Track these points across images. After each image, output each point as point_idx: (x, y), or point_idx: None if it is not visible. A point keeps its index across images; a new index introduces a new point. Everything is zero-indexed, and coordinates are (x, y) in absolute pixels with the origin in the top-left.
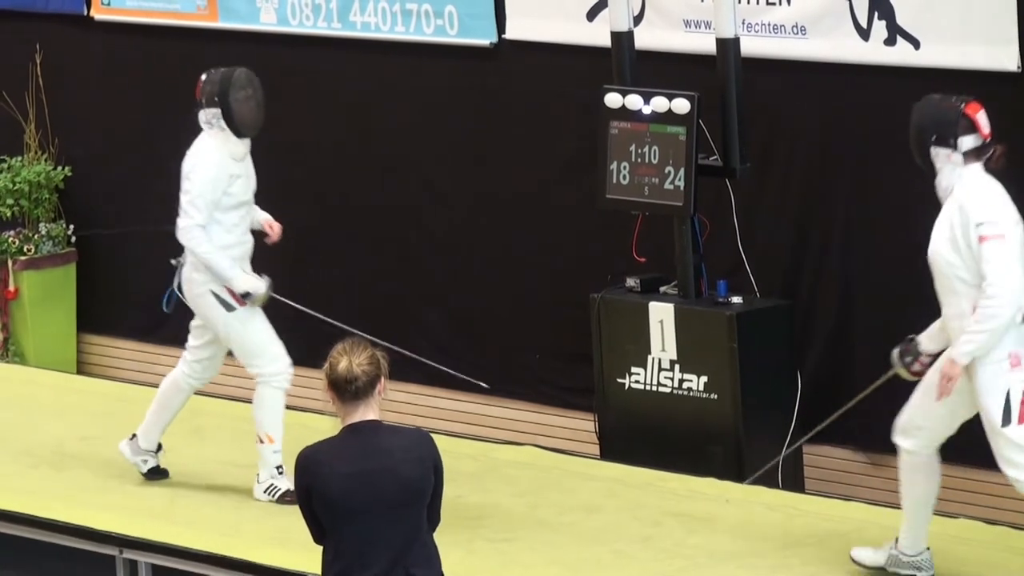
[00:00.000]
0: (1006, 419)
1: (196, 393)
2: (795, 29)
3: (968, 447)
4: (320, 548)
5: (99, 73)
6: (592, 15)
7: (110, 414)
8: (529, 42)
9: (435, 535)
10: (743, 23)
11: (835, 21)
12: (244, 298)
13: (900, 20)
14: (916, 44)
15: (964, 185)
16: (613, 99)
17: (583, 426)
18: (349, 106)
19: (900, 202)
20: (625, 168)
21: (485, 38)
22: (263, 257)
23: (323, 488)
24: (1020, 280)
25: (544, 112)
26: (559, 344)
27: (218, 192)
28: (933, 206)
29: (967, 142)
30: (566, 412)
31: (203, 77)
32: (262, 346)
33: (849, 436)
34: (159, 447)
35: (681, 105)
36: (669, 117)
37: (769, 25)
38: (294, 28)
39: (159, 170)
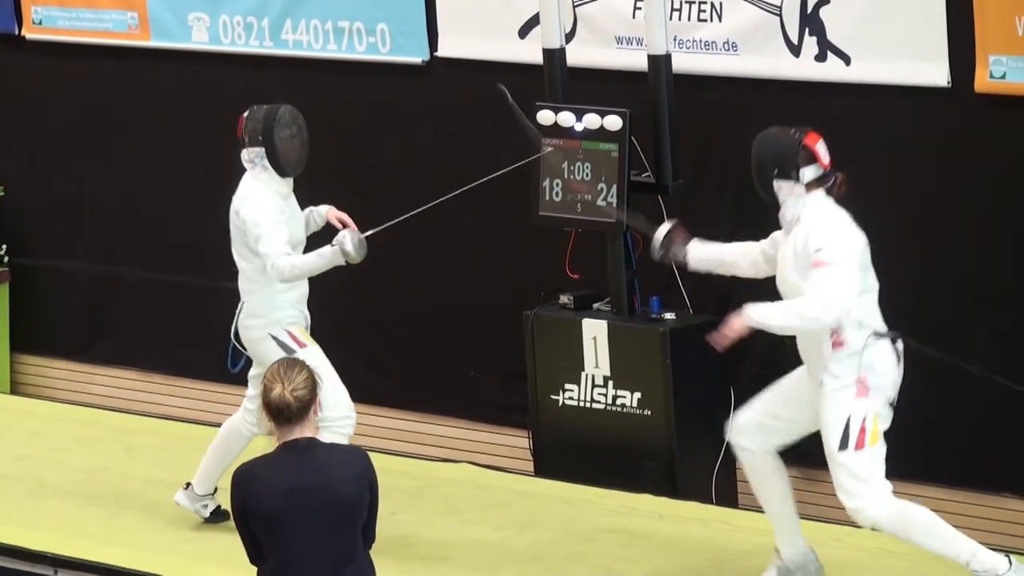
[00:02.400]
0: (843, 444)
1: (127, 412)
2: (727, 45)
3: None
4: (255, 569)
5: (31, 93)
6: (524, 32)
7: (45, 434)
8: (461, 59)
9: (370, 553)
10: (675, 40)
11: (766, 38)
12: (346, 258)
13: (831, 36)
14: (847, 60)
15: (810, 213)
16: (545, 116)
17: (518, 443)
18: None
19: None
20: (558, 185)
21: (417, 56)
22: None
23: (258, 504)
24: (844, 302)
25: (476, 130)
26: (493, 361)
27: (281, 221)
28: (867, 221)
29: (808, 173)
30: (501, 429)
31: (246, 115)
32: (324, 391)
33: (782, 452)
34: (215, 489)
35: (613, 122)
36: (601, 134)
37: (701, 42)
38: (226, 47)
39: (92, 191)
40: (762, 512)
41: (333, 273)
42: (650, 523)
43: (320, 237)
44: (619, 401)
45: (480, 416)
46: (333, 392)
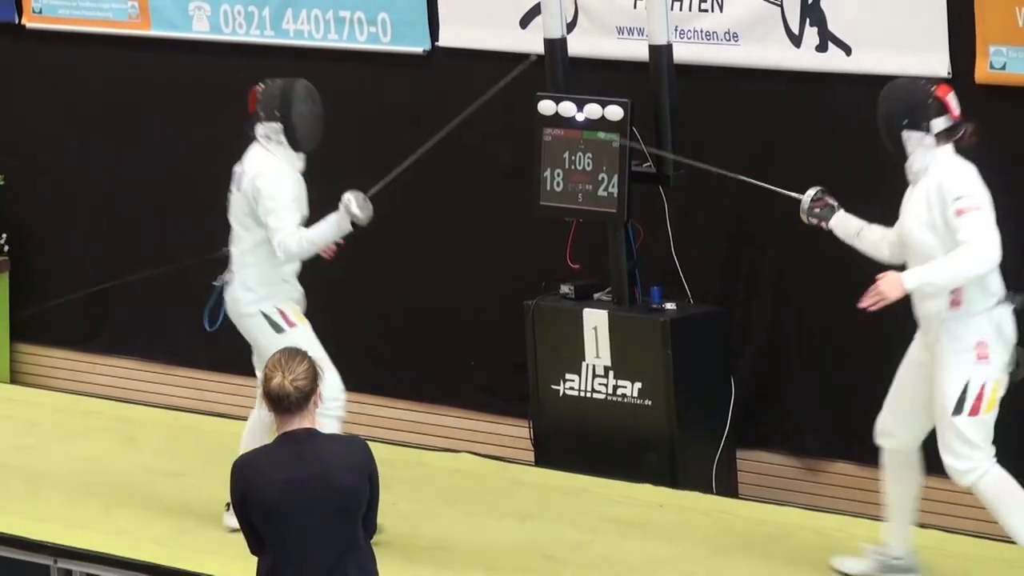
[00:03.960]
0: (958, 408)
1: (127, 401)
2: (727, 36)
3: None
4: (256, 560)
5: (31, 82)
6: (525, 22)
7: (44, 423)
8: (462, 49)
9: (371, 543)
10: (676, 30)
11: (767, 28)
12: (355, 221)
13: (832, 27)
14: (848, 50)
15: (939, 165)
16: (546, 106)
17: (518, 433)
18: None
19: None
20: (559, 175)
21: (418, 45)
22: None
23: (258, 495)
24: (998, 248)
25: (478, 119)
26: (494, 351)
27: (298, 200)
28: (869, 210)
29: (938, 124)
30: (501, 419)
31: (259, 88)
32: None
33: (782, 441)
34: None
35: (614, 112)
36: (602, 124)
37: (702, 32)
38: (227, 36)
39: (93, 179)
40: (763, 502)
41: (331, 268)
42: (651, 513)
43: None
44: (620, 391)
45: (481, 406)
46: (325, 373)
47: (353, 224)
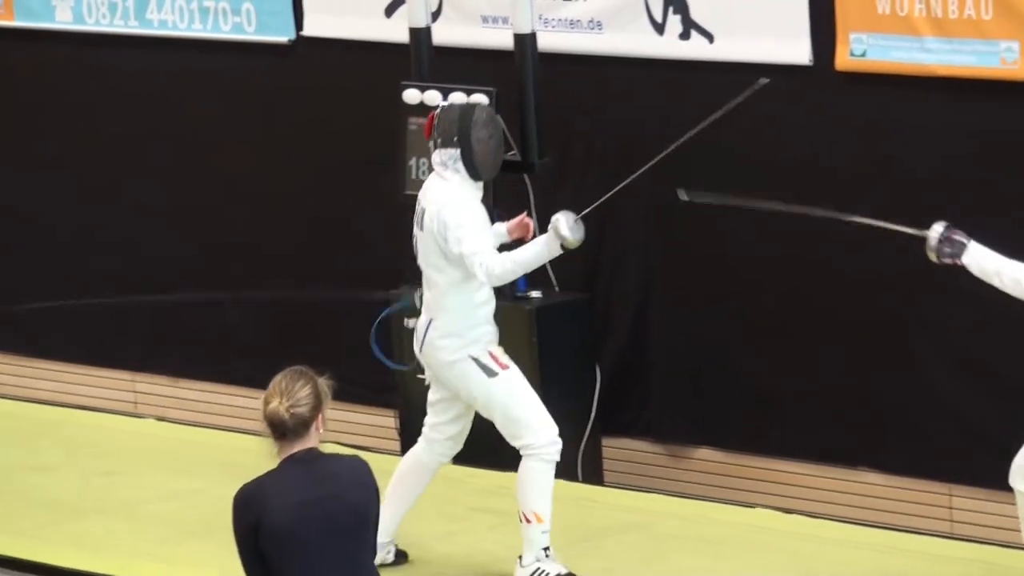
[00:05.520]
0: None
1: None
2: (591, 24)
3: (758, 435)
4: None
5: None
6: (390, 11)
7: None
8: (327, 39)
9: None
10: (540, 18)
11: (630, 16)
12: (564, 243)
13: (694, 15)
14: (710, 38)
15: None
16: (411, 95)
17: (385, 423)
18: (147, 105)
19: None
20: (424, 164)
21: (283, 35)
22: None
23: (273, 521)
24: None
25: (343, 109)
26: (361, 341)
27: (487, 224)
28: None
29: None
30: (368, 409)
31: (436, 112)
32: (529, 415)
33: (647, 428)
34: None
35: (479, 100)
36: None
37: (566, 20)
38: (90, 26)
39: None
40: (628, 489)
41: (197, 258)
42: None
43: None
44: None
45: (347, 396)
46: (536, 416)
47: (562, 246)
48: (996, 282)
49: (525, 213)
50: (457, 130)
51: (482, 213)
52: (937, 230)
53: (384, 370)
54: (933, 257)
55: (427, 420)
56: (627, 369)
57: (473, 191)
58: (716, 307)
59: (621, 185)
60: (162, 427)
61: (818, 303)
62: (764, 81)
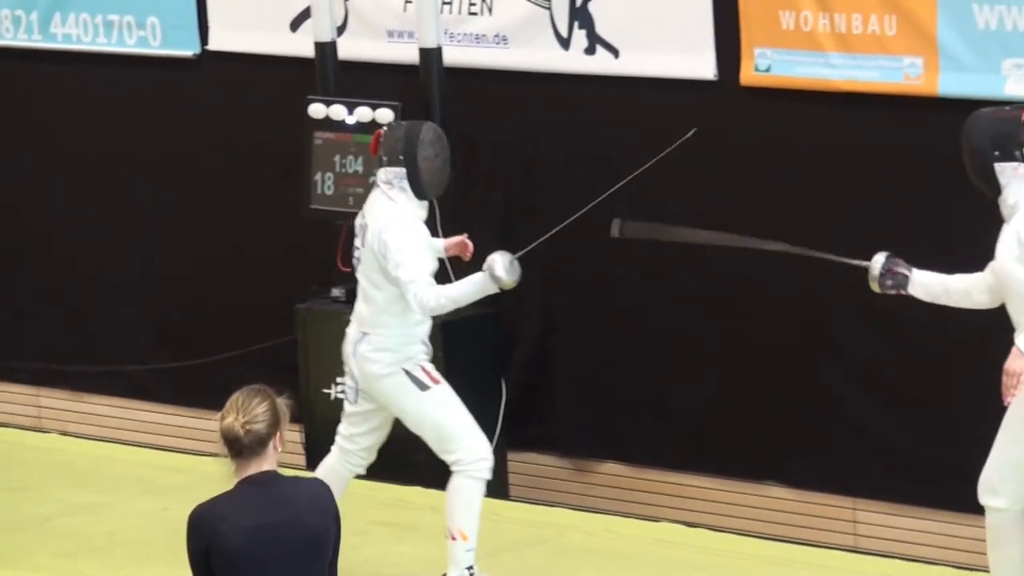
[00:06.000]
0: None
1: None
2: (497, 39)
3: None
4: None
5: None
6: (295, 25)
7: None
8: (233, 53)
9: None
10: (446, 33)
11: (536, 31)
12: (498, 284)
13: (599, 29)
14: (616, 53)
15: None
16: (317, 109)
17: (290, 437)
18: (51, 118)
19: (603, 208)
20: (330, 178)
21: (188, 49)
22: None
23: (225, 545)
24: None
25: (249, 123)
26: (266, 355)
27: (428, 249)
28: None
29: None
30: None
31: (383, 130)
32: (460, 430)
33: (553, 442)
34: None
35: (385, 115)
36: (373, 127)
37: (472, 35)
38: None
39: None
40: (533, 503)
41: (99, 271)
42: (421, 515)
43: None
44: None
45: None
46: (466, 432)
47: (499, 286)
48: (944, 300)
49: (466, 235)
50: (403, 148)
51: (424, 235)
52: (879, 260)
53: (290, 385)
54: (876, 288)
55: (342, 430)
56: (532, 384)
57: (417, 210)
58: (621, 322)
59: (562, 225)
60: (66, 441)
61: (724, 318)
62: (694, 131)
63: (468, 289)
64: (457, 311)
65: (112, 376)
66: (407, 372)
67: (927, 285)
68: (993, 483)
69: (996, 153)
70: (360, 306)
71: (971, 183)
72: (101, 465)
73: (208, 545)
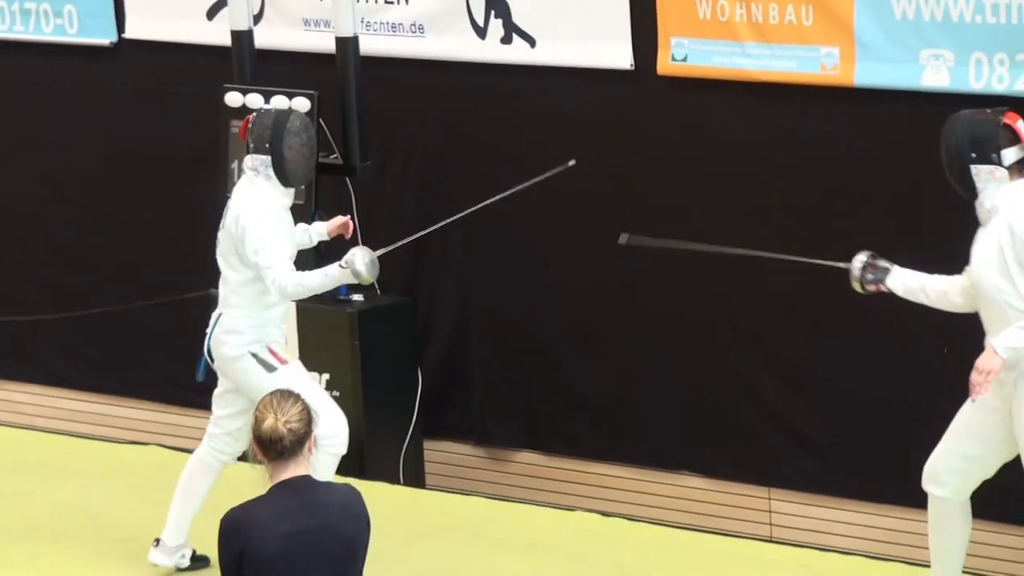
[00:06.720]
0: None
1: None
2: (413, 28)
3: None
4: None
5: None
6: (212, 14)
7: None
8: (149, 41)
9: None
10: (363, 22)
11: (452, 20)
12: (357, 278)
13: (516, 19)
14: (532, 42)
15: (1010, 203)
16: (233, 98)
17: (205, 424)
18: None
19: (520, 198)
20: None
21: (104, 37)
22: None
23: (260, 550)
24: None
25: (165, 111)
26: (182, 343)
27: (287, 234)
28: (543, 202)
29: (1010, 154)
30: (189, 411)
31: (251, 118)
32: (312, 408)
33: (468, 432)
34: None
35: (301, 104)
36: None
37: (388, 24)
38: None
39: None
40: (449, 492)
41: (16, 260)
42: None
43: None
44: None
45: (168, 398)
46: (324, 408)
47: (357, 280)
48: (922, 298)
49: (349, 216)
50: (270, 136)
51: (285, 222)
52: (860, 259)
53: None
54: (857, 287)
55: (213, 414)
56: (449, 372)
57: (281, 198)
58: (538, 311)
59: (429, 230)
60: None
61: (639, 308)
62: (571, 163)
63: (325, 281)
64: (373, 299)
65: (28, 364)
66: (254, 355)
67: (906, 282)
68: (938, 472)
69: (973, 155)
70: (221, 289)
71: (887, 173)
72: (18, 453)
73: (242, 550)
